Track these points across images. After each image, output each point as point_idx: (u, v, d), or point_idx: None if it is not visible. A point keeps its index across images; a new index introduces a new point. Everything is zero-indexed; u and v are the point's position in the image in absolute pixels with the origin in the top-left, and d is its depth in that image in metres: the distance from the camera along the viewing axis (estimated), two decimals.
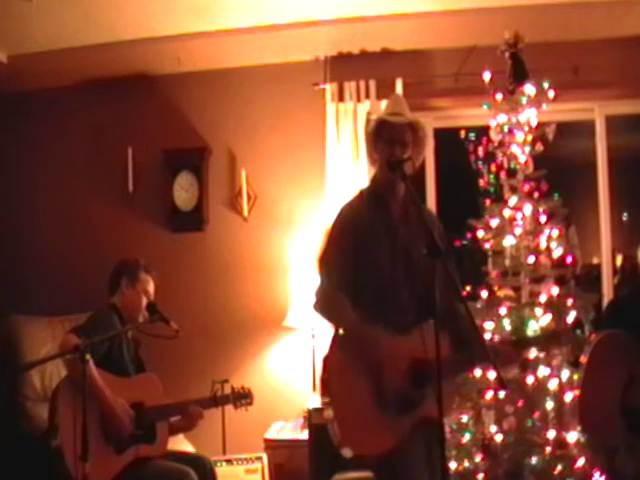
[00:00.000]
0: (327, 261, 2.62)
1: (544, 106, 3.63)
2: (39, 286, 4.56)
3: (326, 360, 2.56)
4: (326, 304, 2.61)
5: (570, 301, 3.51)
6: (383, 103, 4.20)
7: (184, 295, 4.42)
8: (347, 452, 2.48)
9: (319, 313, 2.65)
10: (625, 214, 5.25)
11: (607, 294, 4.30)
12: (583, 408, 2.97)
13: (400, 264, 2.61)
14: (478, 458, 3.39)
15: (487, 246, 3.62)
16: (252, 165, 4.53)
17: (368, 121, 2.78)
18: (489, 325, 3.49)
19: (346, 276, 2.58)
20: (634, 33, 4.03)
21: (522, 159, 3.62)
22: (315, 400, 3.77)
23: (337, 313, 2.59)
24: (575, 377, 3.33)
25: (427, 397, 2.46)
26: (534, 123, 3.62)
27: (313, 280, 2.72)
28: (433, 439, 2.36)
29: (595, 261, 4.76)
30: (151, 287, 3.40)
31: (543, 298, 3.50)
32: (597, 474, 3.21)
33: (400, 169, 2.49)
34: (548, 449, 3.33)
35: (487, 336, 3.47)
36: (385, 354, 2.46)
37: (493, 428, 3.40)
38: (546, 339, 2.94)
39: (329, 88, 4.31)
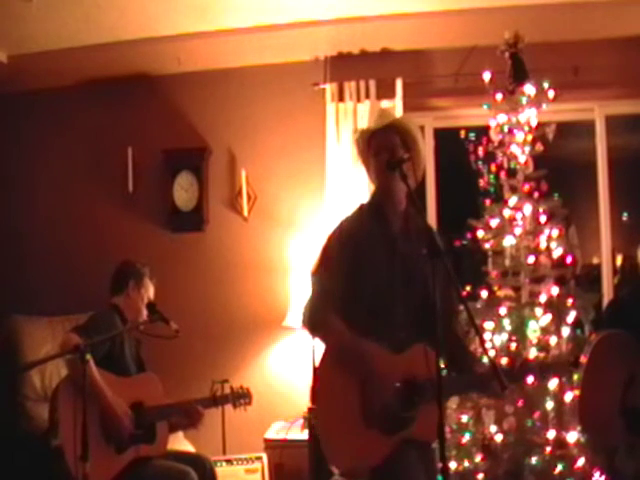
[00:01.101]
0: (321, 276, 2.57)
1: (544, 106, 3.63)
2: (39, 286, 4.56)
3: (317, 370, 2.53)
4: (316, 322, 2.56)
5: (570, 301, 3.51)
6: (383, 103, 4.23)
7: (184, 295, 4.42)
8: (336, 470, 2.47)
9: (308, 331, 2.61)
10: (625, 214, 5.24)
11: (607, 294, 4.30)
12: (583, 408, 2.96)
13: (397, 279, 2.55)
14: (478, 458, 3.40)
15: (487, 246, 3.62)
16: (252, 165, 4.52)
17: (357, 136, 2.71)
18: (489, 325, 3.50)
19: (339, 291, 2.53)
20: (634, 33, 4.03)
21: (522, 159, 3.62)
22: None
23: (327, 331, 2.54)
24: (575, 377, 3.33)
25: (415, 420, 2.42)
26: (534, 123, 3.62)
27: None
28: (428, 453, 2.41)
29: (595, 261, 4.75)
30: (152, 293, 3.43)
31: (543, 298, 3.51)
32: (597, 474, 3.21)
33: (400, 169, 2.39)
34: (548, 449, 3.33)
35: (487, 335, 3.48)
36: (377, 371, 2.41)
37: (493, 428, 3.40)
38: (542, 369, 2.90)
39: (329, 88, 4.30)
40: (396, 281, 2.55)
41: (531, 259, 3.54)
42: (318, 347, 3.99)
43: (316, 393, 2.53)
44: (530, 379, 2.84)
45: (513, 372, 2.64)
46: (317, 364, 2.53)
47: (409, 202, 2.59)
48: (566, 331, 3.47)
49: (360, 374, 2.42)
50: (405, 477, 2.40)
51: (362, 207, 2.69)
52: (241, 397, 3.43)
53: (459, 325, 2.63)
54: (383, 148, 2.57)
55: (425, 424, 2.34)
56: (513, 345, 3.46)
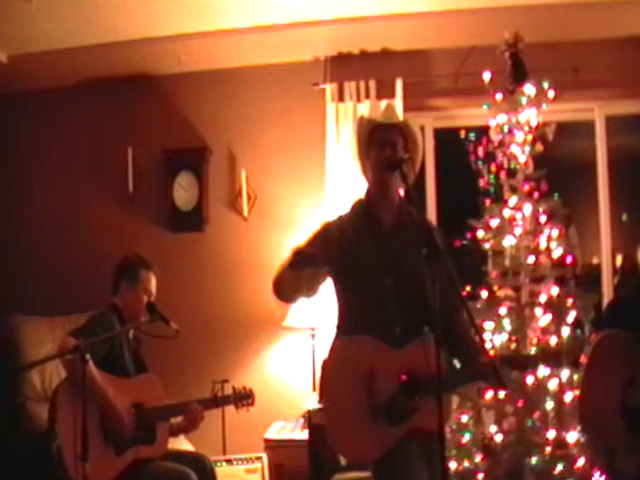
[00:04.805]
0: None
1: (544, 106, 3.63)
2: (39, 286, 4.56)
3: (325, 365, 2.60)
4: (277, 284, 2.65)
5: (570, 301, 3.51)
6: (383, 103, 4.21)
7: (184, 295, 4.42)
8: (343, 459, 2.53)
9: (276, 295, 2.69)
10: (625, 214, 5.24)
11: (607, 294, 4.30)
12: (583, 408, 2.96)
13: (387, 276, 2.61)
14: (478, 458, 3.39)
15: (487, 246, 3.62)
16: (252, 165, 4.53)
17: (361, 123, 2.76)
18: (489, 325, 3.50)
19: (337, 286, 2.68)
20: (634, 33, 4.03)
21: (522, 159, 3.62)
22: (315, 400, 3.77)
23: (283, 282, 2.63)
24: (575, 377, 3.33)
25: (419, 410, 2.48)
26: (534, 123, 3.62)
27: None
28: (430, 448, 2.39)
29: (595, 261, 4.76)
30: (152, 284, 3.36)
31: (543, 298, 3.50)
32: (597, 474, 3.21)
33: (400, 169, 2.47)
34: (548, 449, 3.33)
35: (487, 335, 3.48)
36: (380, 365, 2.49)
37: (493, 428, 3.40)
38: (544, 359, 2.92)
39: (329, 88, 4.31)
40: (386, 277, 2.60)
41: (531, 259, 3.54)
42: (318, 347, 4.02)
43: (324, 388, 2.60)
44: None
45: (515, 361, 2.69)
46: (326, 357, 2.62)
47: (408, 202, 2.63)
48: (566, 331, 3.47)
49: (364, 368, 2.49)
50: (406, 469, 2.44)
51: (356, 204, 2.76)
52: (244, 398, 3.42)
53: (462, 317, 2.61)
54: (387, 143, 2.62)
55: (429, 413, 2.36)
56: (513, 345, 3.46)
